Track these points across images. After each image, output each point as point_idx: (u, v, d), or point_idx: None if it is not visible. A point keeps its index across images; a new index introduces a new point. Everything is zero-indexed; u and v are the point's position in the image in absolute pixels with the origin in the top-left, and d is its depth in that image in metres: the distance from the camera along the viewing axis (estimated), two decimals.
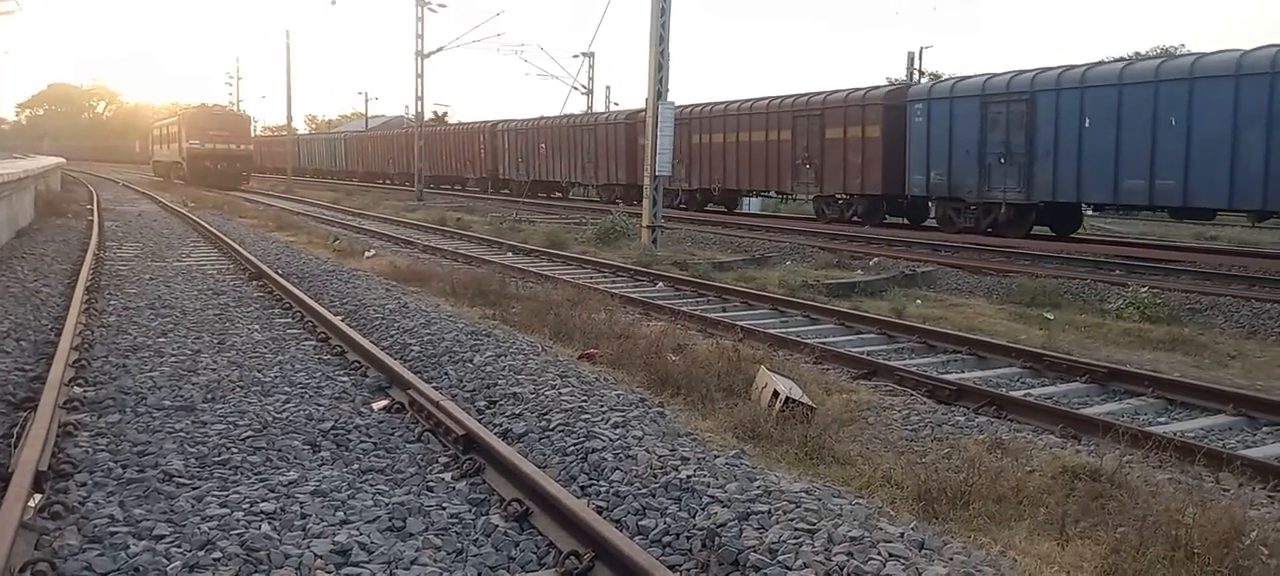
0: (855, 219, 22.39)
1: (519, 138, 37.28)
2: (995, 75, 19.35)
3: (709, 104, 26.96)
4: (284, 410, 5.84)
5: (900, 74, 40.14)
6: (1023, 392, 7.23)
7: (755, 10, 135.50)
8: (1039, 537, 4.11)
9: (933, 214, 22.65)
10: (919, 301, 12.40)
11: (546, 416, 5.56)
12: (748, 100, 26.01)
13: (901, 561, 3.47)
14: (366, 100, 71.44)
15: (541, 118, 36.97)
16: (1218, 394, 7.02)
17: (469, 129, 42.38)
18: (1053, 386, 7.57)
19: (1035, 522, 4.25)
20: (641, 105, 28.01)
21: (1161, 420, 6.73)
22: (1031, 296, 12.43)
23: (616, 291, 11.79)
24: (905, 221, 23.28)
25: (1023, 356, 8.31)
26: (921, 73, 37.78)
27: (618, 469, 4.61)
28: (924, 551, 3.62)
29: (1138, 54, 31.87)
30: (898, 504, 4.46)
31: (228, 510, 4.14)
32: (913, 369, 7.69)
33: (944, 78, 21.78)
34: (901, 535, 3.74)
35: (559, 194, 36.69)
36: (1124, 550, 3.86)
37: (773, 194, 27.00)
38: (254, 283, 11.73)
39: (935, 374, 7.56)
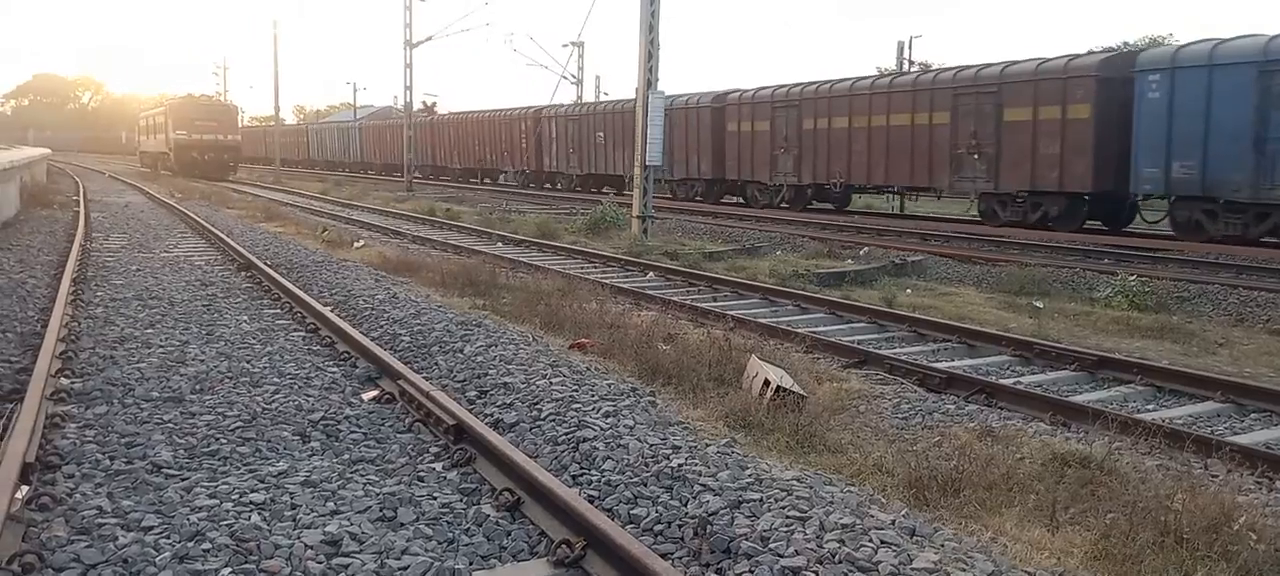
0: (1047, 224, 17.79)
1: (570, 125, 32.84)
2: None
3: (829, 82, 22.82)
4: (273, 401, 5.81)
5: (889, 64, 40.13)
6: (1012, 380, 7.26)
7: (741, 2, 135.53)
8: (1029, 524, 4.13)
9: (1166, 217, 17.07)
10: (909, 290, 12.44)
11: (538, 406, 5.55)
12: (885, 76, 22.72)
13: (893, 548, 3.47)
14: (355, 90, 71.14)
15: (599, 102, 34.73)
16: (1206, 381, 7.06)
17: (506, 116, 37.57)
18: (1042, 374, 7.60)
19: (1025, 509, 4.27)
20: (718, 89, 26.38)
21: (1150, 407, 6.76)
22: (1021, 285, 12.48)
23: (607, 281, 11.78)
24: (1102, 226, 18.40)
25: (1012, 344, 8.34)
26: (911, 62, 37.74)
27: (609, 458, 4.60)
28: (915, 538, 3.63)
29: (1125, 43, 31.92)
30: (889, 491, 4.46)
31: (217, 501, 4.12)
32: (903, 357, 7.71)
33: (1193, 41, 16.08)
34: (892, 522, 3.75)
35: (613, 189, 30.51)
36: (1114, 535, 3.88)
37: (919, 190, 22.14)
38: (243, 273, 11.67)
39: (925, 362, 7.58)
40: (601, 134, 31.11)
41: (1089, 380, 7.48)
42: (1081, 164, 16.84)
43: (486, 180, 40.34)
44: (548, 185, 35.10)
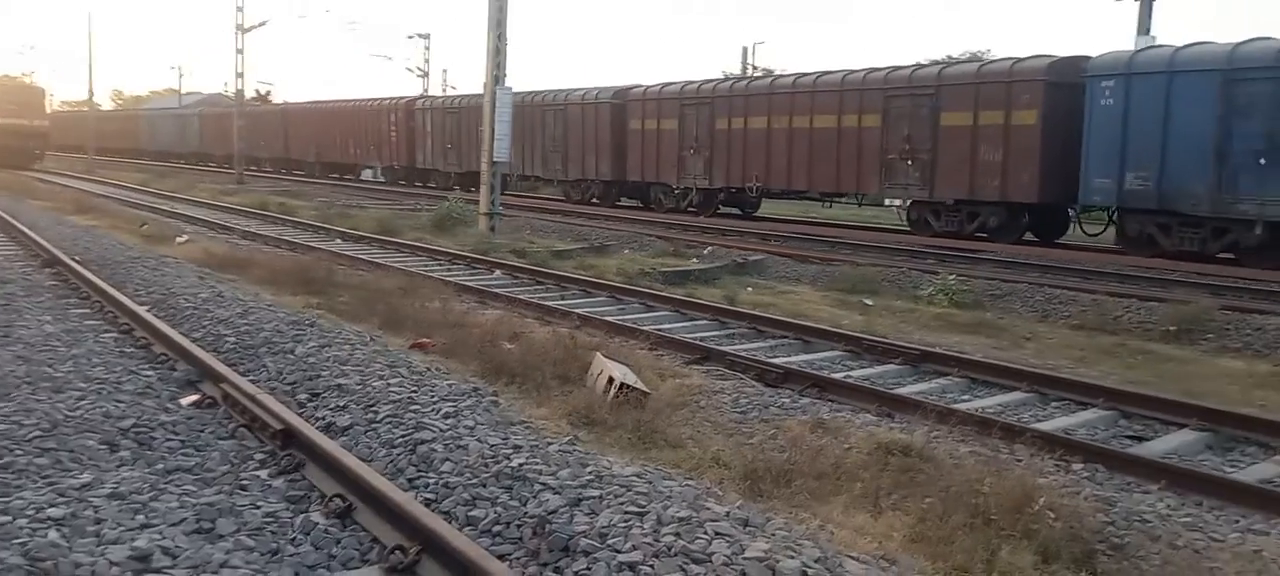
0: (981, 234, 17.38)
1: (448, 118, 30.67)
2: (1250, 41, 14.21)
3: (745, 79, 22.78)
4: (78, 408, 5.34)
5: (734, 68, 41.29)
6: (843, 374, 7.60)
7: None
8: (855, 510, 4.33)
9: (1117, 230, 16.25)
10: (750, 288, 12.83)
11: (374, 408, 5.36)
12: (808, 75, 20.47)
13: (726, 539, 3.56)
14: (180, 75, 66.68)
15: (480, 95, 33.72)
16: (1014, 372, 7.62)
17: (374, 106, 34.79)
18: (870, 368, 8.00)
19: (852, 496, 4.47)
20: (620, 83, 25.10)
21: (965, 397, 7.24)
22: (853, 283, 13.11)
23: (452, 279, 11.55)
24: (1034, 238, 17.77)
25: (844, 340, 8.74)
26: (754, 67, 38.97)
27: (448, 460, 4.50)
28: (748, 528, 3.73)
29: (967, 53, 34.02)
30: (725, 484, 4.57)
31: (9, 518, 3.74)
32: (742, 353, 7.93)
33: (1150, 46, 15.84)
34: (727, 514, 3.84)
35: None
36: (929, 518, 4.13)
37: (843, 196, 21.69)
38: (47, 270, 10.70)
39: (763, 358, 7.82)
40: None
41: (912, 373, 7.93)
42: (1026, 173, 16.22)
43: (348, 177, 37.61)
44: (420, 183, 33.08)
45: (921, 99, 17.64)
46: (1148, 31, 20.30)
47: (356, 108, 36.17)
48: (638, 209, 24.93)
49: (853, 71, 19.38)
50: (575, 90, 26.11)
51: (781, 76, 22.24)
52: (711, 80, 23.59)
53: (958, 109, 17.13)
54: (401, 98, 34.70)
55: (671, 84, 24.05)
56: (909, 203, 18.60)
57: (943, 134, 17.44)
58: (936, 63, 18.67)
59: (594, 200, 25.38)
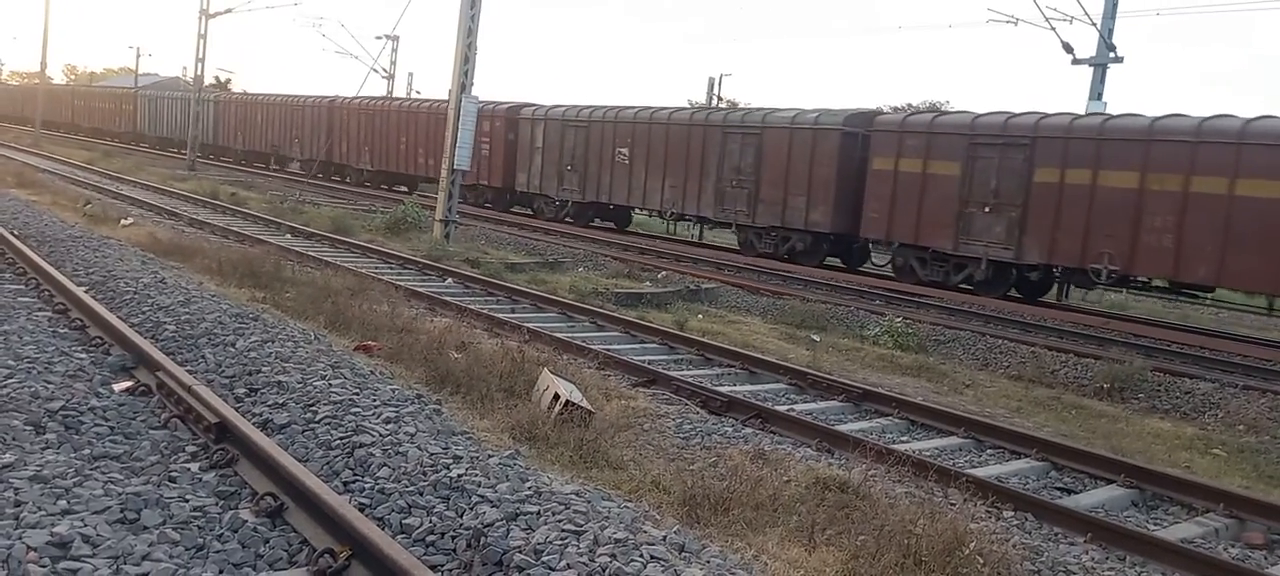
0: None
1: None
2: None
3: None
4: (5, 386, 5.17)
5: (700, 98, 41.64)
6: (786, 407, 7.68)
7: (566, 16, 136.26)
8: (790, 543, 4.36)
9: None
10: (701, 316, 12.89)
11: (313, 408, 5.27)
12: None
13: (661, 564, 3.56)
14: (138, 56, 65.13)
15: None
16: (952, 417, 7.76)
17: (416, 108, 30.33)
18: (813, 403, 8.09)
19: (788, 529, 4.51)
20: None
21: (904, 438, 7.35)
22: (802, 318, 13.25)
23: (402, 284, 11.43)
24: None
25: (789, 374, 8.83)
26: (721, 98, 39.34)
27: (385, 465, 4.44)
28: (684, 554, 3.74)
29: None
30: (664, 508, 4.59)
31: None
32: (689, 379, 7.97)
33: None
34: (664, 538, 3.85)
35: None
36: (862, 556, 4.18)
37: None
38: None
39: (709, 385, 7.87)
40: (404, 137, 30.02)
41: (854, 410, 8.03)
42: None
43: (275, 166, 37.73)
44: (337, 177, 34.40)
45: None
46: (1100, 97, 20.94)
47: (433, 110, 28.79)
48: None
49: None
50: (779, 111, 20.52)
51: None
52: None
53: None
54: (424, 101, 31.82)
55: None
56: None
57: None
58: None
59: (788, 255, 19.79)
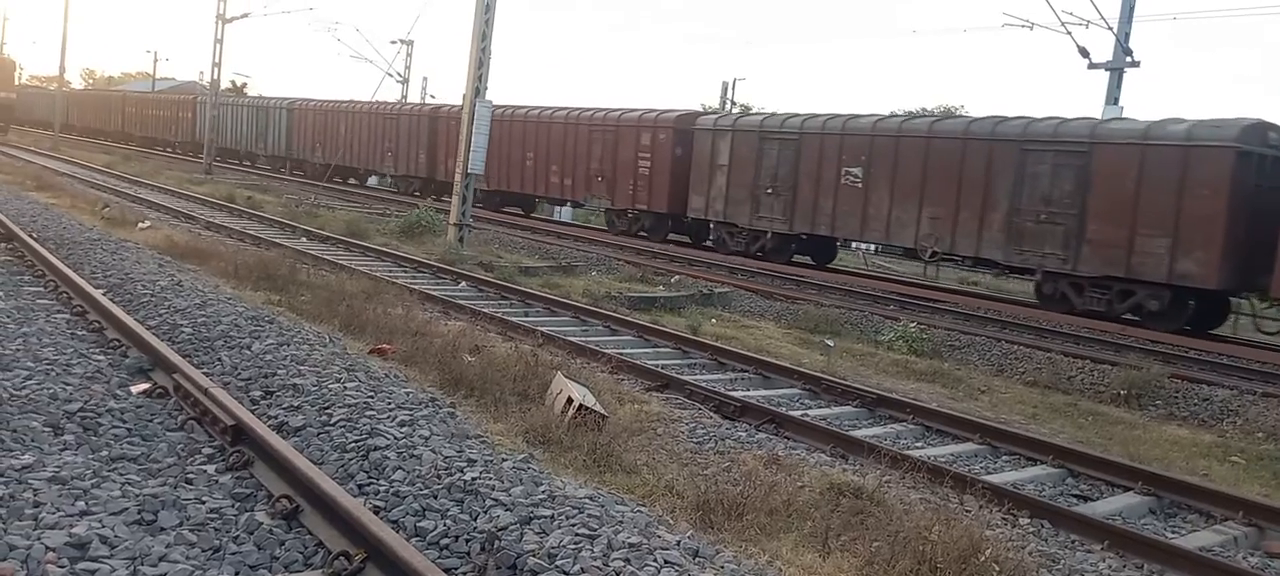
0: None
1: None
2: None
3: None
4: (24, 387, 5.22)
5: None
6: (801, 412, 7.65)
7: (578, 21, 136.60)
8: (804, 549, 4.35)
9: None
10: (714, 320, 12.88)
11: (328, 411, 5.30)
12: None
13: (675, 568, 3.56)
14: (155, 60, 65.61)
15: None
16: (967, 423, 7.72)
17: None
18: (828, 408, 8.06)
19: (801, 535, 4.50)
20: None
21: (919, 444, 7.32)
22: (816, 323, 13.21)
23: (416, 287, 11.47)
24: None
25: (803, 379, 8.80)
26: (733, 102, 39.39)
27: (400, 468, 4.46)
28: (697, 559, 3.74)
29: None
30: (677, 513, 4.58)
31: None
32: (702, 384, 7.96)
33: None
34: (678, 543, 3.85)
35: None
36: (877, 562, 4.16)
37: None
38: (2, 244, 10.47)
39: (723, 390, 7.86)
40: (531, 153, 25.95)
41: (868, 416, 8.00)
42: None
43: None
44: (297, 172, 35.77)
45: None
46: (1116, 101, 20.80)
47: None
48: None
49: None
50: (1120, 123, 15.79)
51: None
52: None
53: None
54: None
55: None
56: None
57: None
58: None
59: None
